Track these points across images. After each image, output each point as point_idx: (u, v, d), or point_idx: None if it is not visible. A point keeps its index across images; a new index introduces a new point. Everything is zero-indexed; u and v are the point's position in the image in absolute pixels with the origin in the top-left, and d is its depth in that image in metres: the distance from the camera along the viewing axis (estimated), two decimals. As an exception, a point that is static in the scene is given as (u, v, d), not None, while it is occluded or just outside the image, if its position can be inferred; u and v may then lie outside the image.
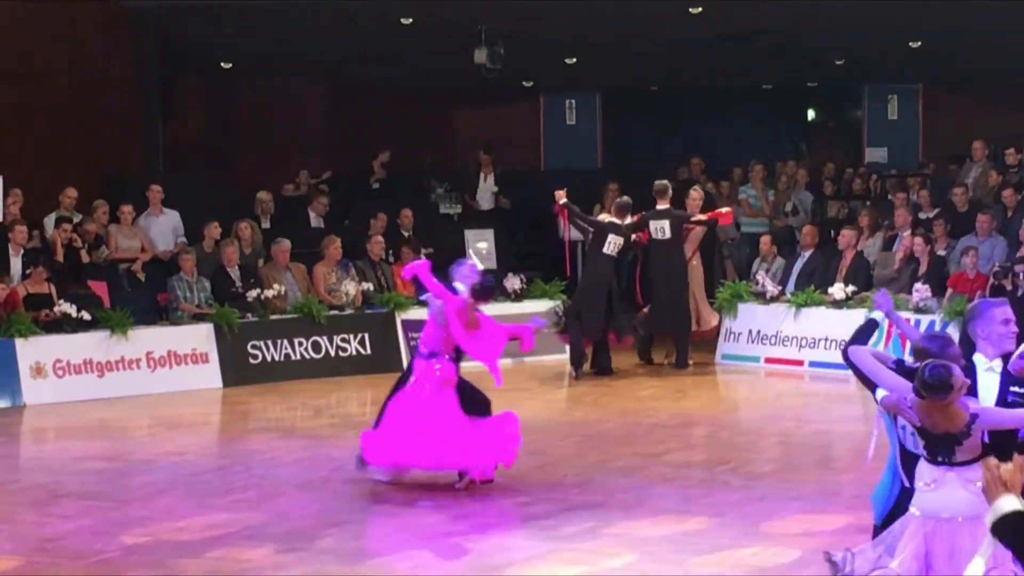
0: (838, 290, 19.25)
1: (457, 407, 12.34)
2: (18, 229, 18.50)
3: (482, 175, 24.39)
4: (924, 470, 7.33)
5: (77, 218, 19.78)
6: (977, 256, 18.74)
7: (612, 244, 18.95)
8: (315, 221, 22.09)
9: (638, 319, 19.36)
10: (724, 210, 20.43)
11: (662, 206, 19.44)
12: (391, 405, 12.55)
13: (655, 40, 23.01)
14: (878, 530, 7.94)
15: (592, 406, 16.99)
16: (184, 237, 20.66)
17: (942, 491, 7.21)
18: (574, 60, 24.78)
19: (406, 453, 12.25)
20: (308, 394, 17.80)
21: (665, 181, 19.86)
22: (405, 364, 19.53)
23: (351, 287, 19.73)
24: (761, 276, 20.36)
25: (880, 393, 7.47)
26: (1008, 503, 4.85)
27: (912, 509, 7.33)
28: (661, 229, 19.27)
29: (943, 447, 7.21)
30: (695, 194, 19.85)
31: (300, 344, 19.04)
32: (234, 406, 17.55)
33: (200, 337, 18.60)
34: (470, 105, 28.49)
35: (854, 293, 19.19)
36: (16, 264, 18.40)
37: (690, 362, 19.48)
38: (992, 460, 5.05)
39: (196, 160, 25.49)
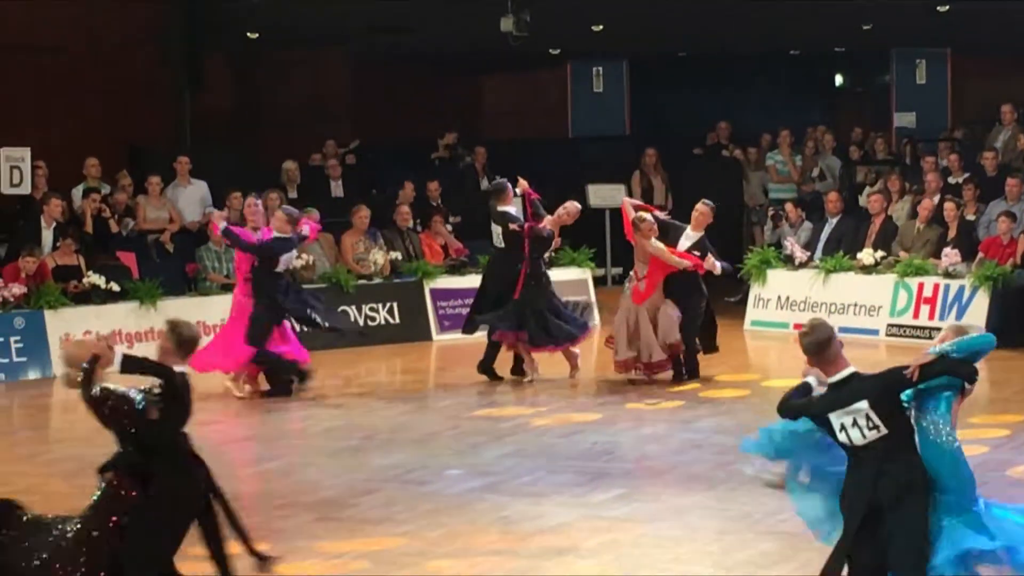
0: (867, 255, 19.17)
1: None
2: (53, 203, 18.42)
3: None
4: None
5: (106, 189, 19.80)
6: (1013, 221, 18.61)
7: (496, 235, 16.81)
8: (335, 190, 22.03)
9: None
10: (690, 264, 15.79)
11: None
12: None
13: (682, 6, 22.89)
14: None
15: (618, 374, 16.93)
16: (212, 207, 20.64)
17: None
18: (601, 27, 24.66)
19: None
20: (337, 364, 17.76)
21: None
22: (433, 333, 19.73)
23: (379, 256, 19.70)
24: (789, 242, 20.27)
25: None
26: None
27: None
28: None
29: None
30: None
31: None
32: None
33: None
34: (496, 74, 28.40)
35: (883, 258, 19.12)
36: (48, 236, 18.40)
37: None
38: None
39: (223, 130, 25.46)
